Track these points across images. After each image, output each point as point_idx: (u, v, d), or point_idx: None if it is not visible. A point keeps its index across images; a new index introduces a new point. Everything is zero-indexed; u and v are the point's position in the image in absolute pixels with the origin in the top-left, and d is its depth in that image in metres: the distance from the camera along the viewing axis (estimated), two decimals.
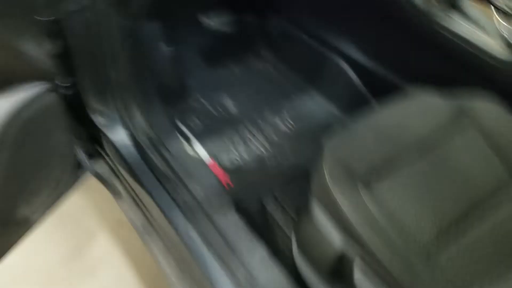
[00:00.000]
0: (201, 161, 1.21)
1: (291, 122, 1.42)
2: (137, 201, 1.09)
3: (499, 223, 0.77)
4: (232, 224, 0.94)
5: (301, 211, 0.89)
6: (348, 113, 1.43)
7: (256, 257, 0.86)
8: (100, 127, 1.07)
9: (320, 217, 0.80)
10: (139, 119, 1.09)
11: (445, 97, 0.92)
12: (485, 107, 0.91)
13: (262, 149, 1.32)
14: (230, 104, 1.45)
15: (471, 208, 0.78)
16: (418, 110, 0.91)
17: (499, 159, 0.85)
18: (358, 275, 0.75)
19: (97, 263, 1.34)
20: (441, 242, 0.73)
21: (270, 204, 1.17)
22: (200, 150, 1.29)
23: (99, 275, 1.32)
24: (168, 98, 1.31)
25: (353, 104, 1.38)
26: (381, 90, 1.28)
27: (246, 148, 1.31)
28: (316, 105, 1.48)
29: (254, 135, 1.36)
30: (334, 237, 0.78)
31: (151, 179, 1.01)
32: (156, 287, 1.29)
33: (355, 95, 1.36)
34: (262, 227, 1.02)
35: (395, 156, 0.83)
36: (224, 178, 1.21)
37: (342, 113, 1.45)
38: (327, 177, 0.79)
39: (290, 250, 0.94)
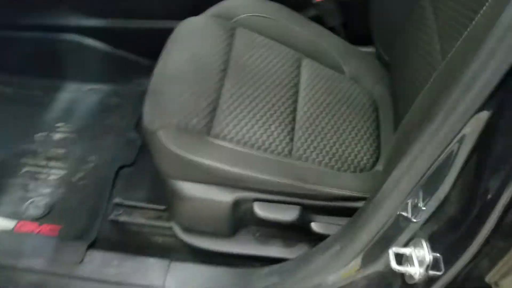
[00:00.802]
0: None
1: (69, 125, 1.20)
2: None
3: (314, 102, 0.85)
4: (100, 264, 0.79)
5: (168, 197, 0.80)
6: (119, 81, 1.28)
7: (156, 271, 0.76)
8: None
9: (191, 188, 0.75)
10: None
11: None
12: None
13: (61, 171, 1.09)
14: None
15: (292, 99, 0.84)
16: (198, 39, 0.88)
17: (283, 44, 0.92)
18: (257, 209, 0.75)
19: None
20: (293, 135, 0.78)
21: (120, 216, 1.00)
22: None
23: None
24: None
25: (119, 70, 1.26)
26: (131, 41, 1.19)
27: (42, 183, 1.07)
28: (81, 94, 1.27)
29: (39, 164, 1.10)
30: (217, 195, 0.74)
31: None
32: None
33: (112, 60, 1.23)
34: (130, 246, 0.88)
35: (208, 90, 0.81)
36: (46, 230, 0.98)
37: (115, 85, 1.27)
38: (171, 148, 0.72)
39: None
